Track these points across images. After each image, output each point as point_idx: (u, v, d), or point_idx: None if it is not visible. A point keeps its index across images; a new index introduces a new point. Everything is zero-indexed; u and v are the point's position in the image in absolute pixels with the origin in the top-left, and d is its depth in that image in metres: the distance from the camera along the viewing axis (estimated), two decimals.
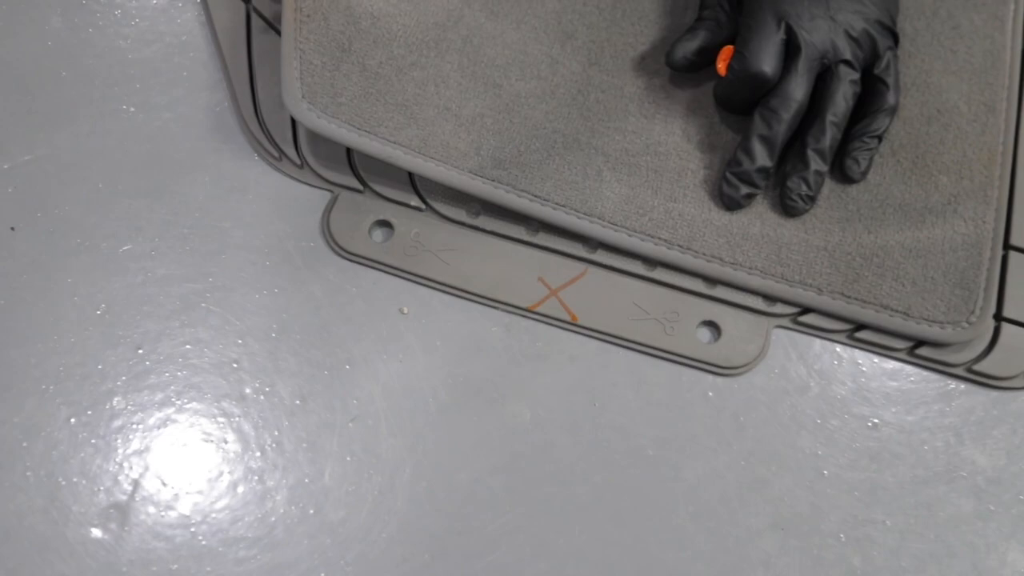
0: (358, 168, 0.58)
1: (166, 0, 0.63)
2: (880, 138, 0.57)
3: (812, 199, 0.56)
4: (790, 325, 0.57)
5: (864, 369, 0.56)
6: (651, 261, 0.57)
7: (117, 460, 0.53)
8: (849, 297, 0.55)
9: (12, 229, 0.57)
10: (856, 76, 0.56)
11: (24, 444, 0.53)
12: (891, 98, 0.56)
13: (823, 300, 0.56)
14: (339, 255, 0.57)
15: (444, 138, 0.56)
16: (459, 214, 0.57)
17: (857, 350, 0.57)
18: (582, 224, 0.56)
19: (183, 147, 0.59)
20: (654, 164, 0.58)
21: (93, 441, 0.53)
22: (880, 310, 0.55)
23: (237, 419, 0.54)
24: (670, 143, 0.59)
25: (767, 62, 0.55)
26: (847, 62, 0.55)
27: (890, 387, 0.56)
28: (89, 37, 0.62)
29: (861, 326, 0.56)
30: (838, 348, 0.57)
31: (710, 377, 0.56)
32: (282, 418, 0.54)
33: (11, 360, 0.54)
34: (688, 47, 0.58)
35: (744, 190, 0.56)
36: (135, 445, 0.53)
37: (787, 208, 0.56)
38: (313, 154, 0.58)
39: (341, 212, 0.57)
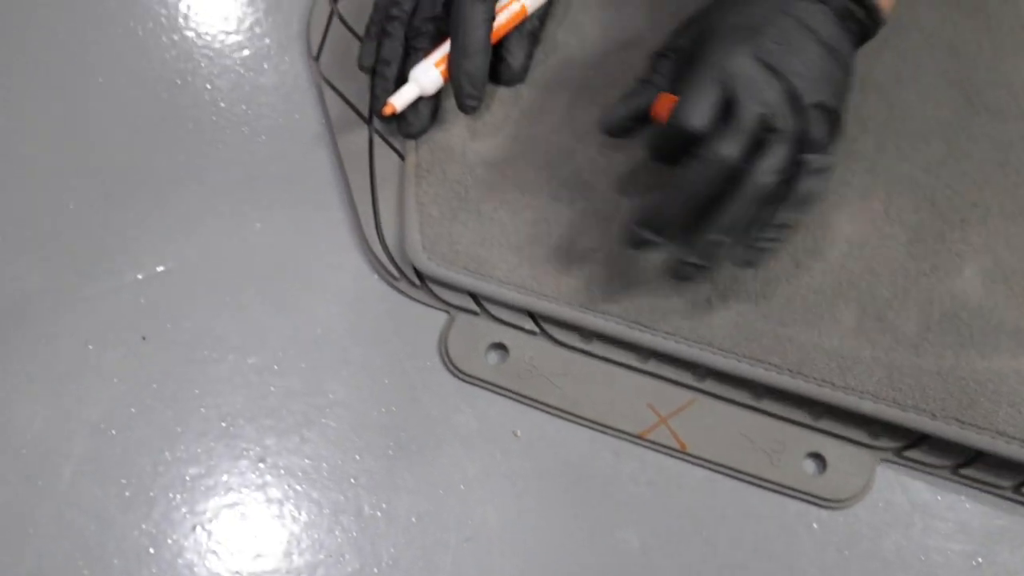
0: (475, 291, 0.60)
1: (291, 119, 0.66)
2: (784, 229, 0.54)
3: (704, 269, 0.54)
4: (895, 459, 0.58)
5: (968, 506, 0.57)
6: (759, 390, 0.58)
7: (239, 572, 0.55)
8: (963, 423, 0.56)
9: (143, 339, 0.60)
10: (787, 150, 0.53)
11: (151, 551, 0.55)
12: (809, 187, 0.53)
13: (936, 425, 0.56)
14: (455, 376, 0.59)
15: (556, 275, 0.59)
16: (572, 339, 0.59)
17: (961, 486, 0.57)
18: (692, 352, 0.58)
19: (305, 262, 0.62)
20: (763, 291, 0.60)
21: (216, 551, 0.55)
22: (996, 436, 0.56)
23: (354, 535, 0.56)
24: (778, 270, 0.60)
25: (699, 117, 0.52)
26: (782, 131, 0.53)
27: (994, 525, 0.57)
28: (219, 152, 0.65)
29: (965, 462, 0.57)
30: (942, 484, 0.57)
31: (815, 509, 0.57)
32: (398, 535, 0.56)
33: (140, 467, 0.57)
34: (621, 112, 0.57)
35: (646, 235, 0.54)
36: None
37: (675, 272, 0.55)
38: (431, 275, 0.60)
39: (458, 334, 0.59)
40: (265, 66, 0.68)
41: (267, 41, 0.69)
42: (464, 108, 0.61)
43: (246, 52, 0.68)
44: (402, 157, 0.63)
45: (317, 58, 0.67)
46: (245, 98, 0.67)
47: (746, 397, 0.58)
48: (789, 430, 0.58)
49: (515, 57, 0.63)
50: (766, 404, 0.58)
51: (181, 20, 0.70)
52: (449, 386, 0.59)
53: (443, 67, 0.60)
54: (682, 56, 0.57)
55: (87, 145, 0.65)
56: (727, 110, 0.53)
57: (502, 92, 0.64)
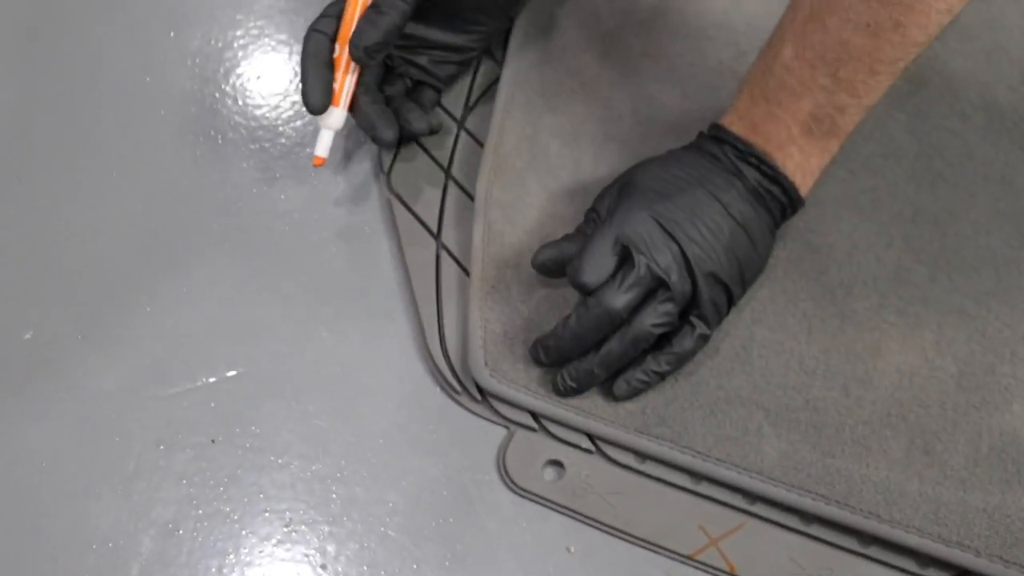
0: (534, 410, 0.62)
1: (361, 231, 0.69)
2: (659, 375, 0.60)
3: (574, 391, 0.61)
4: None
5: None
6: (808, 516, 0.60)
7: None
8: (1008, 561, 0.57)
9: (213, 441, 0.62)
10: (672, 308, 0.59)
11: None
12: (685, 347, 0.60)
13: (980, 562, 0.57)
14: (512, 490, 0.61)
15: (613, 400, 0.61)
16: (627, 458, 0.61)
17: None
18: (742, 479, 0.59)
19: (370, 371, 0.64)
20: (813, 420, 0.61)
21: None
22: None
23: None
24: (829, 399, 0.62)
25: (593, 275, 0.59)
26: (670, 290, 0.58)
27: None
28: (290, 260, 0.68)
29: None
30: None
31: None
32: None
33: (205, 568, 0.59)
34: (549, 254, 0.63)
35: (540, 357, 0.61)
36: None
37: (554, 386, 0.61)
38: (493, 391, 0.62)
39: (517, 450, 0.61)
40: (338, 179, 0.71)
41: (340, 155, 0.72)
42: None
43: (319, 168, 0.71)
44: (467, 273, 0.66)
45: (387, 172, 0.70)
46: (318, 209, 0.70)
47: (796, 522, 0.60)
48: (838, 556, 0.59)
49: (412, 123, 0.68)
50: (815, 530, 0.60)
51: (260, 132, 0.73)
52: (506, 500, 0.61)
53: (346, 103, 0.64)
54: (601, 212, 0.62)
55: (166, 250, 0.69)
56: (622, 262, 0.59)
57: (563, 212, 0.67)
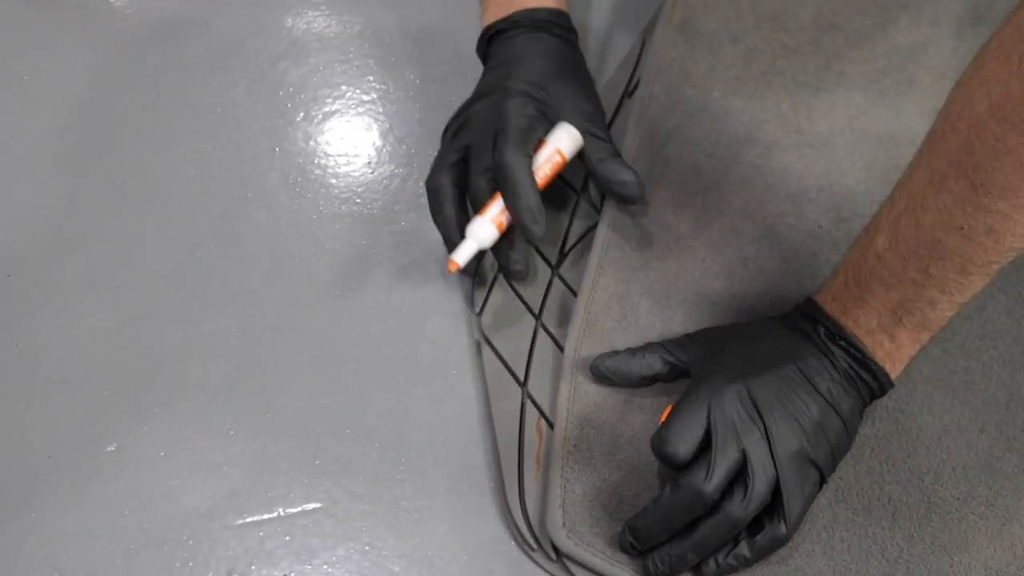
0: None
1: (448, 373, 0.69)
2: (748, 561, 0.58)
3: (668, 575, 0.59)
4: None
5: None
6: None
7: None
8: None
9: None
10: (763, 491, 0.57)
11: None
12: (780, 533, 0.58)
13: None
14: None
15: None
16: None
17: None
18: None
19: (447, 520, 0.64)
20: None
21: None
22: None
23: None
24: None
25: (681, 447, 0.58)
26: (760, 478, 0.57)
27: None
28: (375, 398, 0.69)
29: None
30: None
31: None
32: None
33: None
34: (609, 364, 0.65)
35: (630, 540, 0.60)
36: None
37: (645, 571, 0.59)
38: (568, 553, 0.61)
39: None
40: (431, 317, 0.71)
41: (434, 292, 0.72)
42: (530, 236, 0.66)
43: (410, 304, 0.72)
44: (551, 426, 0.66)
45: (479, 313, 0.70)
46: (407, 347, 0.70)
47: None
48: None
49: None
50: None
51: (352, 282, 0.74)
52: None
53: (498, 222, 0.66)
54: (681, 359, 0.64)
55: (254, 375, 0.70)
56: (708, 438, 0.58)
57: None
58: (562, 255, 0.73)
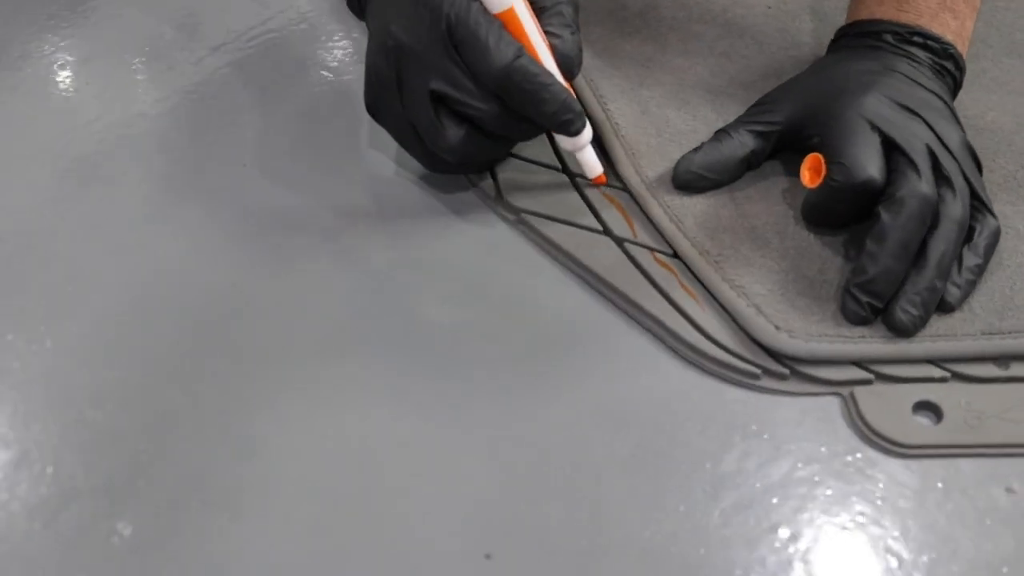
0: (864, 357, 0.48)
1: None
2: (979, 268, 0.50)
3: (922, 320, 0.48)
4: None
5: None
6: None
7: None
8: None
9: None
10: (962, 183, 0.50)
11: None
12: (992, 222, 0.51)
13: None
14: (902, 455, 0.46)
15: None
16: (986, 369, 0.48)
17: None
18: None
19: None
20: None
21: None
22: None
23: None
24: None
25: (872, 166, 0.49)
26: (953, 168, 0.50)
27: None
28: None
29: None
30: None
31: None
32: None
33: None
34: (701, 160, 0.54)
35: (865, 299, 0.48)
36: None
37: (894, 325, 0.48)
38: (808, 355, 0.48)
39: (873, 411, 0.47)
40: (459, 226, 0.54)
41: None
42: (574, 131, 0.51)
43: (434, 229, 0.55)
44: (675, 254, 0.52)
45: (499, 196, 0.55)
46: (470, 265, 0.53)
47: None
48: None
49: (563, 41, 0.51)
50: None
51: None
52: (899, 469, 0.45)
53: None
54: (783, 113, 0.54)
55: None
56: (892, 153, 0.50)
57: None
58: None
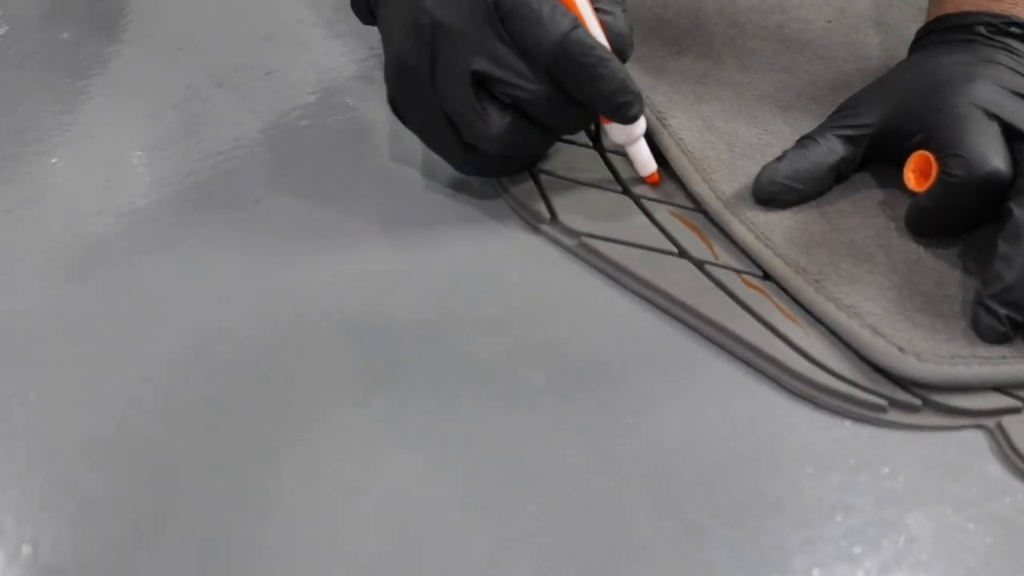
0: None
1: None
2: None
3: None
4: None
5: None
6: None
7: None
8: None
9: None
10: None
11: None
12: None
13: None
14: None
15: None
16: None
17: None
18: None
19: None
20: None
21: None
22: None
23: None
24: None
25: (996, 157, 0.43)
26: None
27: None
28: None
29: None
30: None
31: None
32: None
33: None
34: (778, 171, 0.47)
35: (1003, 312, 0.41)
36: None
37: (984, 331, 0.42)
38: (939, 382, 0.40)
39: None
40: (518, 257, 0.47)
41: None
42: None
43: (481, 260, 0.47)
44: (765, 276, 0.45)
45: (554, 220, 0.48)
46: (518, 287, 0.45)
47: None
48: None
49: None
50: None
51: None
52: None
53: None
54: (872, 114, 0.48)
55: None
56: (1013, 139, 0.44)
57: None
58: (598, 125, 0.53)
